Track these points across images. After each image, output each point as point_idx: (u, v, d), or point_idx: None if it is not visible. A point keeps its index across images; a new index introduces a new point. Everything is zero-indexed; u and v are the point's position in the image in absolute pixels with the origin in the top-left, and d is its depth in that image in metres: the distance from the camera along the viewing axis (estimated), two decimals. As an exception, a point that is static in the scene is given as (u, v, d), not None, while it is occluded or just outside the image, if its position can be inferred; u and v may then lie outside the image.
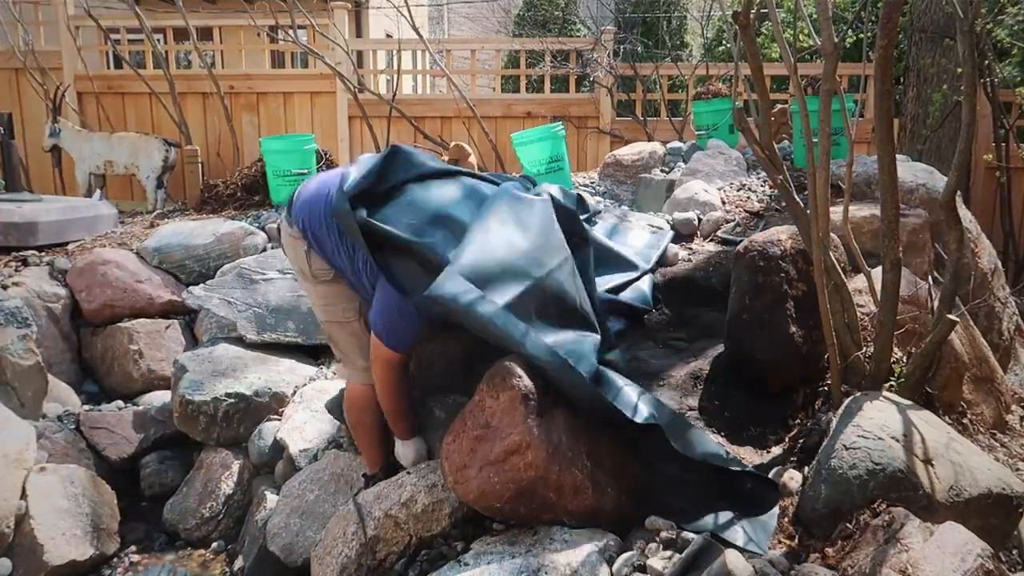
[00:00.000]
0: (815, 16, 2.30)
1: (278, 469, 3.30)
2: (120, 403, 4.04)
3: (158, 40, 6.75)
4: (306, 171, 5.39)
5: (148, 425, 3.81)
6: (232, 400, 3.50)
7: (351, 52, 6.46)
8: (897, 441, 2.02)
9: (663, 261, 3.43)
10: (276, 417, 3.48)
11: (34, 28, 7.02)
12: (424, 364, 2.86)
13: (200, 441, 3.60)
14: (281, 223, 2.59)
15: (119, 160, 6.07)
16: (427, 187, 2.49)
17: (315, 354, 3.99)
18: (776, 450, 2.54)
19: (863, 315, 2.68)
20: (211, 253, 4.54)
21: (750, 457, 2.45)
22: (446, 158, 5.50)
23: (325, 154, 5.86)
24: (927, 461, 2.00)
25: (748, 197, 4.05)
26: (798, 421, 2.62)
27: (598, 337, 2.42)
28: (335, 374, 3.60)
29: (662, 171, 4.77)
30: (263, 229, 4.82)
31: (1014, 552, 2.06)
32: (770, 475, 2.30)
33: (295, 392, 3.57)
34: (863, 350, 2.48)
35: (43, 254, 4.59)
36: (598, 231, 3.46)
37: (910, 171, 3.76)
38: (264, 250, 4.62)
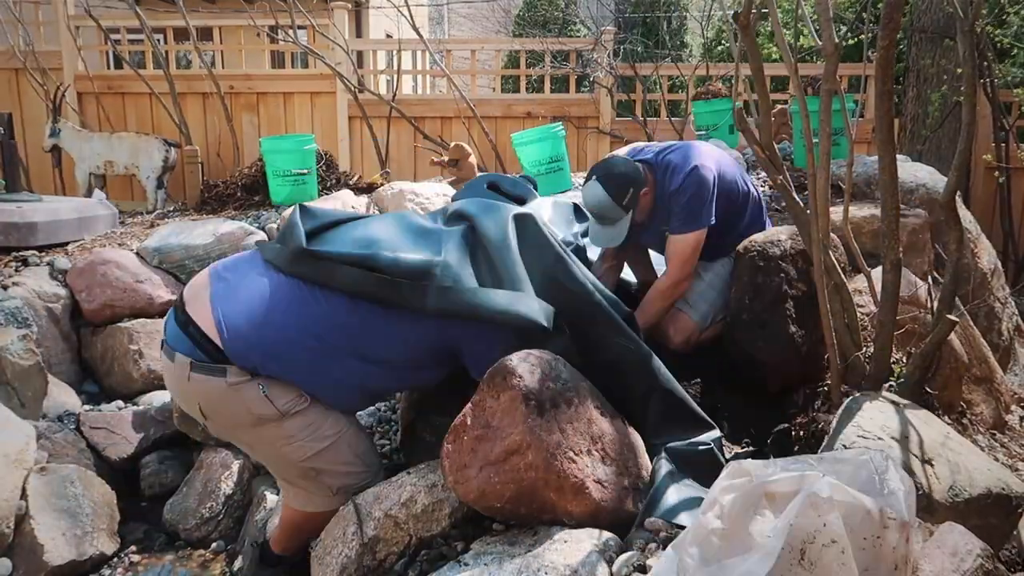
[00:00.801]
0: (815, 16, 2.30)
1: (278, 469, 3.31)
2: (120, 403, 4.04)
3: (158, 40, 6.75)
4: (306, 171, 5.38)
5: (148, 425, 3.81)
6: (232, 400, 3.50)
7: (351, 52, 6.46)
8: (897, 441, 2.02)
9: None
10: (276, 417, 3.48)
11: (34, 28, 7.02)
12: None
13: (200, 441, 3.60)
14: (190, 378, 2.08)
15: (119, 160, 6.07)
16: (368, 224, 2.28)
17: (315, 354, 3.98)
18: (776, 450, 2.55)
19: (863, 315, 2.68)
20: (211, 253, 4.53)
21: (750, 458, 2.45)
22: (446, 158, 5.51)
23: (325, 154, 5.86)
24: (926, 461, 2.00)
25: (748, 197, 4.04)
26: (798, 421, 2.62)
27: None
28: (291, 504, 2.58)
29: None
30: (263, 229, 4.82)
31: (1014, 552, 2.06)
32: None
33: (295, 392, 3.57)
34: (863, 350, 2.48)
35: (43, 254, 4.59)
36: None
37: (910, 171, 3.76)
38: (264, 250, 4.61)
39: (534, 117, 6.64)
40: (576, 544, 2.00)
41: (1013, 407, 3.00)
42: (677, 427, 2.37)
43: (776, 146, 2.83)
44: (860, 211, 3.41)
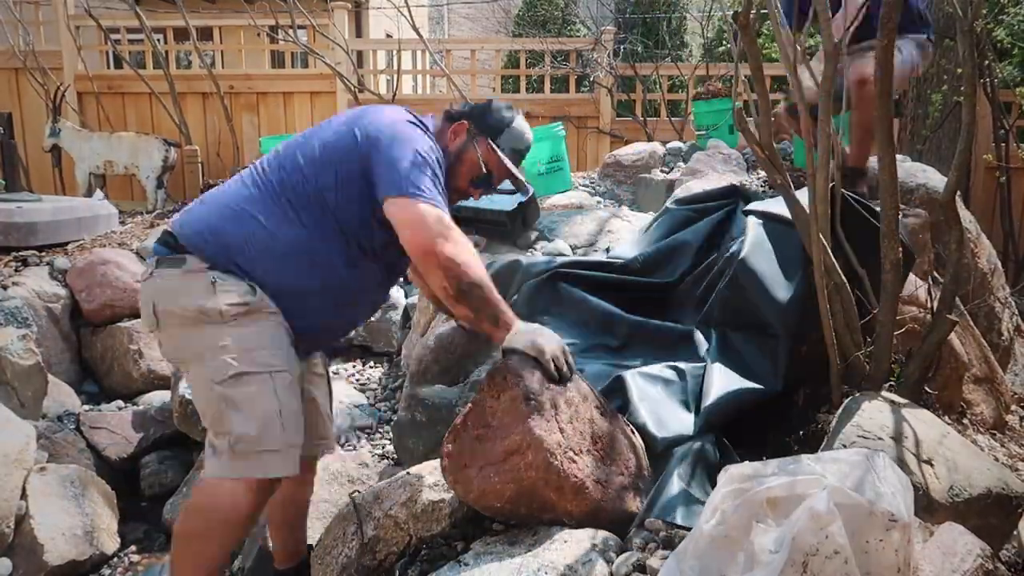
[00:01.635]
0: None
1: (278, 469, 3.30)
2: (120, 403, 4.04)
3: (158, 40, 6.74)
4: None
5: (148, 425, 3.81)
6: (232, 400, 3.50)
7: (351, 52, 6.46)
8: (897, 441, 2.02)
9: None
10: (276, 417, 3.47)
11: (34, 28, 7.02)
12: (423, 365, 2.86)
13: (200, 441, 3.60)
14: (152, 275, 1.99)
15: (119, 160, 6.07)
16: None
17: (315, 354, 3.98)
18: (775, 450, 2.54)
19: (863, 315, 2.68)
20: (211, 253, 4.53)
21: (749, 458, 2.44)
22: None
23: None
24: (926, 461, 2.00)
25: (748, 197, 4.05)
26: (798, 420, 2.62)
27: None
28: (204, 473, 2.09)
29: (662, 171, 4.77)
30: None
31: (1014, 552, 2.06)
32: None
33: (295, 392, 3.56)
34: (863, 350, 2.48)
35: (43, 254, 4.59)
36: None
37: (910, 171, 3.76)
38: (264, 250, 4.61)
39: (534, 117, 6.64)
40: (576, 544, 2.00)
41: (1013, 407, 3.00)
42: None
43: (776, 146, 2.83)
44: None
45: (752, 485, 1.44)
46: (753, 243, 2.62)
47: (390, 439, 3.16)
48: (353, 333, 3.94)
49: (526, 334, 1.98)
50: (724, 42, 10.00)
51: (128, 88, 6.84)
